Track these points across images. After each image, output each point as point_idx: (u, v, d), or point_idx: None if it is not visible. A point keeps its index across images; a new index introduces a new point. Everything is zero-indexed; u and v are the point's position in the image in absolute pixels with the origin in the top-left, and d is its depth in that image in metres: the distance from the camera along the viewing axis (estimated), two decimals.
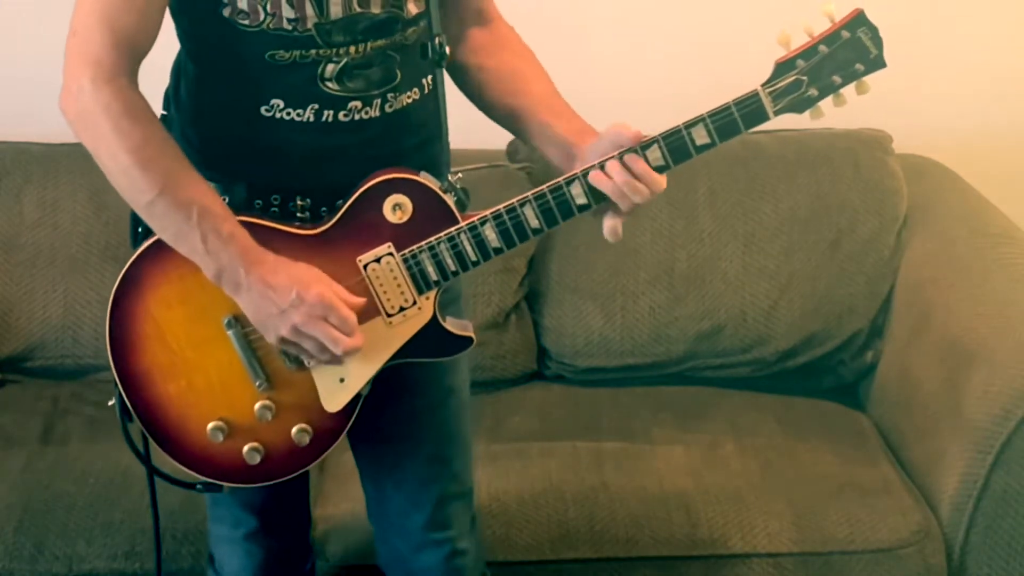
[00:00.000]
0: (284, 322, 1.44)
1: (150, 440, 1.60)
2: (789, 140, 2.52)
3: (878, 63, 1.44)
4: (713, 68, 2.60)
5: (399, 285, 1.50)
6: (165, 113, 1.58)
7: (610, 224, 1.50)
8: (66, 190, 2.45)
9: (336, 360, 1.48)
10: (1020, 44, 2.72)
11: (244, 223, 1.45)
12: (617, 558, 2.06)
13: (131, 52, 1.41)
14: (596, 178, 1.46)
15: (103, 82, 1.38)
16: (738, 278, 2.45)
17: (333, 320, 1.44)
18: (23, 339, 2.42)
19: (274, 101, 1.47)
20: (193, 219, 1.41)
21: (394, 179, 1.48)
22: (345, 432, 1.57)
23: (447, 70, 1.62)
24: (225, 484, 1.60)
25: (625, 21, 2.65)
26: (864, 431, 2.36)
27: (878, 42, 1.43)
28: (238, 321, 1.50)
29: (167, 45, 1.53)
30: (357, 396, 1.54)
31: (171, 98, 1.58)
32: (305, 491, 1.82)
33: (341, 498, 2.08)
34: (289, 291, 1.42)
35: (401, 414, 1.66)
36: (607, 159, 1.46)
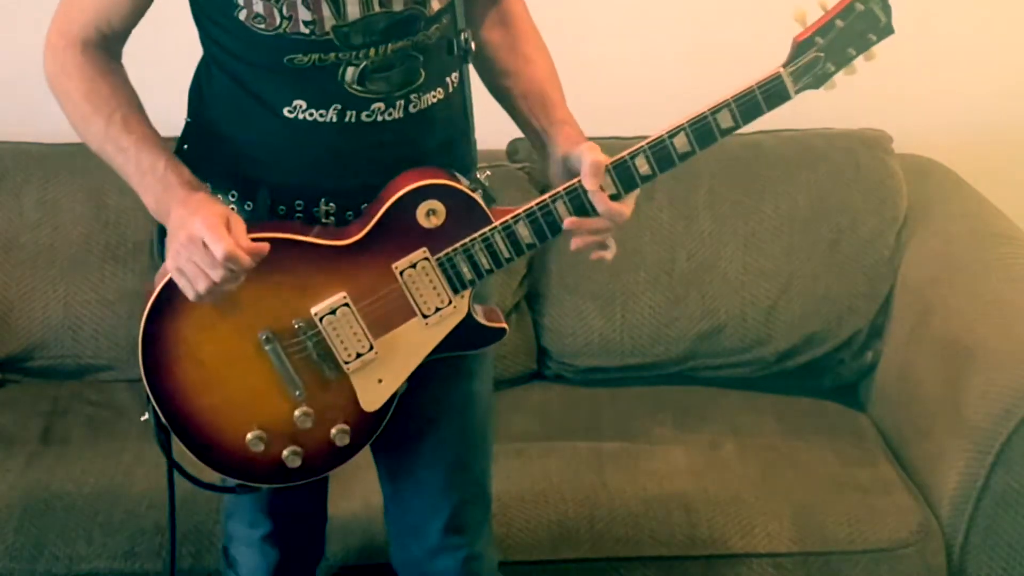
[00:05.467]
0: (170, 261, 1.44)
1: (172, 445, 1.60)
2: (789, 140, 2.52)
3: (887, 30, 1.46)
4: (720, 62, 2.60)
5: (435, 287, 1.51)
6: (190, 121, 1.59)
7: (597, 255, 1.52)
8: (66, 190, 2.45)
9: (219, 275, 1.40)
10: (1020, 44, 2.72)
11: (275, 239, 1.44)
12: (617, 558, 2.06)
13: (97, 27, 1.48)
14: (570, 223, 1.48)
15: (63, 44, 1.48)
16: (738, 278, 2.45)
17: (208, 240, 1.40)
18: (23, 339, 2.42)
19: (296, 102, 1.47)
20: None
21: (427, 186, 1.48)
22: (383, 426, 1.58)
23: None
24: (263, 485, 1.61)
25: (629, 18, 2.64)
26: (864, 431, 2.36)
27: (887, 9, 1.46)
28: (276, 336, 1.50)
29: (183, 47, 1.54)
30: (394, 393, 1.56)
31: (194, 103, 1.58)
32: (323, 495, 1.83)
33: (341, 498, 2.08)
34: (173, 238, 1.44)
35: (423, 418, 1.66)
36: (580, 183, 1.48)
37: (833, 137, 2.52)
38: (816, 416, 2.40)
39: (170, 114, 1.62)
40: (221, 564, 1.86)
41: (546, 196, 1.49)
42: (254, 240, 1.42)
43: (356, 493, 2.05)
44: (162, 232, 1.53)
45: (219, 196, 1.53)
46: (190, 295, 1.43)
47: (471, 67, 1.61)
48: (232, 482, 1.63)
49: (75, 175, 2.45)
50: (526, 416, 2.37)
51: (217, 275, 1.39)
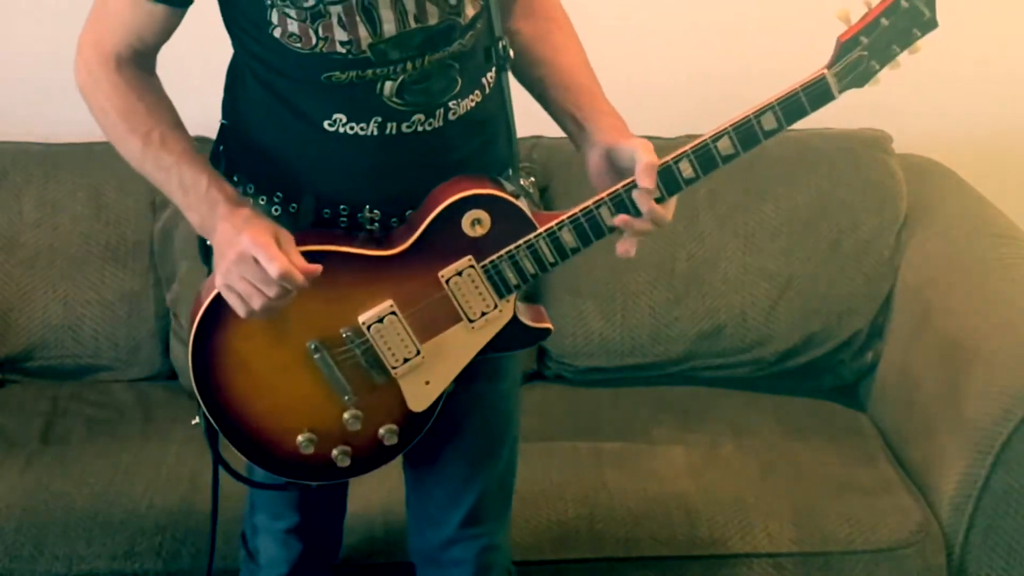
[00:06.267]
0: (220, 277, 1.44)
1: (219, 443, 1.61)
2: (789, 140, 2.50)
3: (931, 24, 1.46)
4: (719, 63, 2.61)
5: (480, 293, 1.52)
6: (225, 123, 1.59)
7: (623, 247, 1.51)
8: (66, 190, 2.45)
9: (273, 291, 1.40)
10: (1020, 44, 2.72)
11: (322, 252, 1.44)
12: (617, 558, 2.06)
13: (129, 43, 1.46)
14: (620, 221, 1.48)
15: (96, 60, 1.46)
16: (738, 278, 2.45)
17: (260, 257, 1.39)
18: (23, 339, 2.42)
19: (336, 116, 1.46)
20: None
21: (472, 196, 1.48)
22: (430, 423, 1.60)
23: None
24: (312, 483, 1.63)
25: (637, 11, 2.64)
26: (864, 431, 2.36)
27: (931, 3, 1.46)
28: (324, 345, 1.51)
29: (213, 44, 1.54)
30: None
31: (228, 106, 1.58)
32: (345, 489, 1.85)
33: None
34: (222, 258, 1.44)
35: (453, 414, 1.66)
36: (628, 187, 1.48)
37: (833, 137, 2.52)
38: (816, 416, 2.40)
39: (200, 112, 1.62)
40: (240, 555, 1.87)
41: (589, 202, 1.50)
42: (302, 254, 1.42)
43: (356, 494, 2.05)
44: (203, 239, 1.55)
45: (263, 199, 1.53)
46: (241, 312, 1.43)
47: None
48: (256, 477, 1.66)
49: (75, 175, 2.46)
50: (526, 416, 2.35)
51: (272, 291, 1.39)
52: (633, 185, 1.47)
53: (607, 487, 2.14)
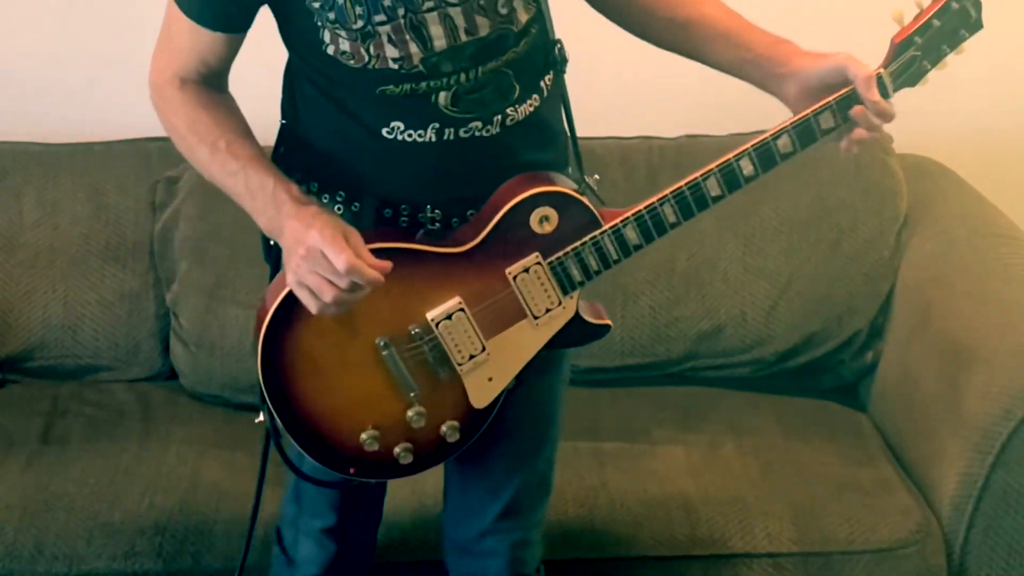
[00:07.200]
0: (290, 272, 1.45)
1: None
2: None
3: (977, 26, 1.51)
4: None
5: (545, 290, 1.54)
6: (285, 122, 1.60)
7: (854, 137, 1.54)
8: (66, 190, 2.45)
9: (343, 286, 1.41)
10: (1020, 44, 2.71)
11: (388, 249, 1.45)
12: (617, 558, 2.06)
13: (194, 67, 1.49)
14: (856, 112, 1.50)
15: (163, 82, 1.51)
16: (738, 278, 2.45)
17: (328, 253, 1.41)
18: (23, 339, 2.42)
19: (394, 124, 1.48)
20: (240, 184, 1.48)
21: (541, 193, 1.50)
22: (489, 420, 1.61)
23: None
24: (372, 480, 1.65)
25: None
26: (864, 431, 2.36)
27: (978, 6, 1.51)
28: (392, 342, 1.53)
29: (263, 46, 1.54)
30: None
31: (287, 108, 1.59)
32: (383, 495, 1.85)
33: None
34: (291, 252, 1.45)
35: (502, 406, 1.66)
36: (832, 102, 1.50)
37: None
38: (816, 416, 2.40)
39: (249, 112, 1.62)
40: (273, 552, 1.87)
41: (654, 199, 1.51)
42: (371, 251, 1.43)
43: None
44: (266, 238, 1.55)
45: (326, 197, 1.55)
46: (313, 308, 1.44)
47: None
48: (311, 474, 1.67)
49: (75, 175, 2.46)
50: None
51: (343, 283, 1.40)
52: (697, 182, 1.50)
53: (607, 487, 2.14)
